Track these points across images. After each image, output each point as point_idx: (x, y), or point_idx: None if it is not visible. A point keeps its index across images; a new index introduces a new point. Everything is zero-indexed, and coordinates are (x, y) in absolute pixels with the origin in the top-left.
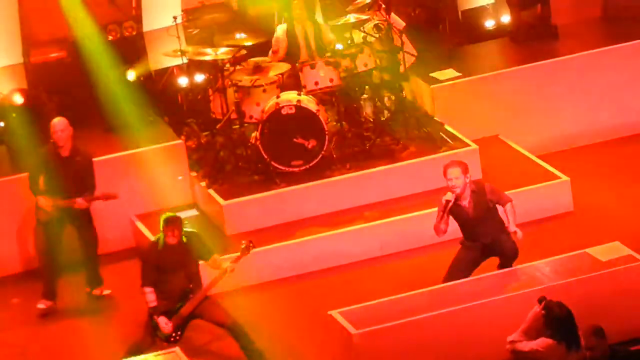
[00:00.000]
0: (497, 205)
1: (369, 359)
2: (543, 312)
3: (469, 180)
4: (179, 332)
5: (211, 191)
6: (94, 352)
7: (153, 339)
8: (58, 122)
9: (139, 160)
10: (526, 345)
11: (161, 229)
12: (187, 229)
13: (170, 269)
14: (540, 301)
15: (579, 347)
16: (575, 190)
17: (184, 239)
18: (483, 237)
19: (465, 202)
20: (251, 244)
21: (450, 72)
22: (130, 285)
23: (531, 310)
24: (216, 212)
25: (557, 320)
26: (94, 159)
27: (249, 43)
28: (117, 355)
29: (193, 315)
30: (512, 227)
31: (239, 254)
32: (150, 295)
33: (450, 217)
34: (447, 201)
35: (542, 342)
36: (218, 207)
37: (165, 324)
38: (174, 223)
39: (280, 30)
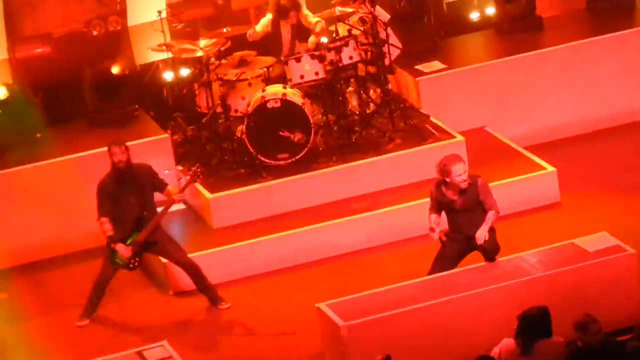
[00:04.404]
0: None
1: (356, 351)
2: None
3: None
4: (137, 259)
5: (197, 185)
6: (77, 348)
7: (113, 268)
8: None
9: None
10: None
11: (109, 154)
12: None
13: (124, 197)
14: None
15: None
16: (562, 181)
17: (135, 168)
18: (467, 229)
19: (456, 196)
20: (199, 170)
21: (436, 64)
22: (117, 282)
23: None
24: (203, 205)
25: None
26: (80, 154)
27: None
28: (101, 350)
29: (149, 243)
30: (481, 230)
31: (188, 178)
32: (106, 225)
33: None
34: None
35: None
36: (204, 201)
37: (124, 249)
38: (117, 142)
39: (264, 19)
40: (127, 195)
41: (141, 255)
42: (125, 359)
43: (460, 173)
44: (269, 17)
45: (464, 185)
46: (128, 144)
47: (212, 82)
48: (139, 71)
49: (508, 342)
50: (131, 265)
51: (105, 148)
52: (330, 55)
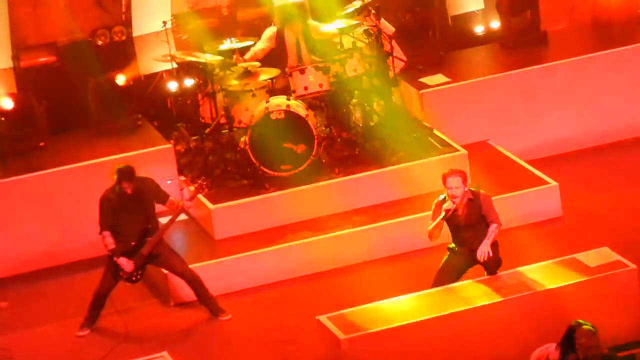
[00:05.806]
0: None
1: None
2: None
3: (467, 190)
4: (140, 272)
5: (200, 196)
6: (77, 359)
7: (115, 280)
8: None
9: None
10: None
11: (116, 179)
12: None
13: (127, 211)
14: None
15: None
16: (564, 195)
17: (138, 183)
18: (471, 243)
19: (459, 210)
20: (205, 182)
21: (440, 78)
22: (118, 292)
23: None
24: (205, 216)
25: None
26: (84, 164)
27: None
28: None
29: (152, 256)
30: (483, 246)
31: (193, 189)
32: (108, 239)
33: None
34: (447, 210)
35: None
36: (207, 212)
37: (126, 263)
38: (128, 176)
39: (267, 33)
40: (131, 209)
41: (144, 268)
42: None
43: (451, 186)
44: (271, 30)
45: (455, 200)
46: (131, 153)
47: (216, 92)
48: (144, 81)
49: (551, 349)
50: (134, 278)
51: (110, 157)
52: (335, 67)
